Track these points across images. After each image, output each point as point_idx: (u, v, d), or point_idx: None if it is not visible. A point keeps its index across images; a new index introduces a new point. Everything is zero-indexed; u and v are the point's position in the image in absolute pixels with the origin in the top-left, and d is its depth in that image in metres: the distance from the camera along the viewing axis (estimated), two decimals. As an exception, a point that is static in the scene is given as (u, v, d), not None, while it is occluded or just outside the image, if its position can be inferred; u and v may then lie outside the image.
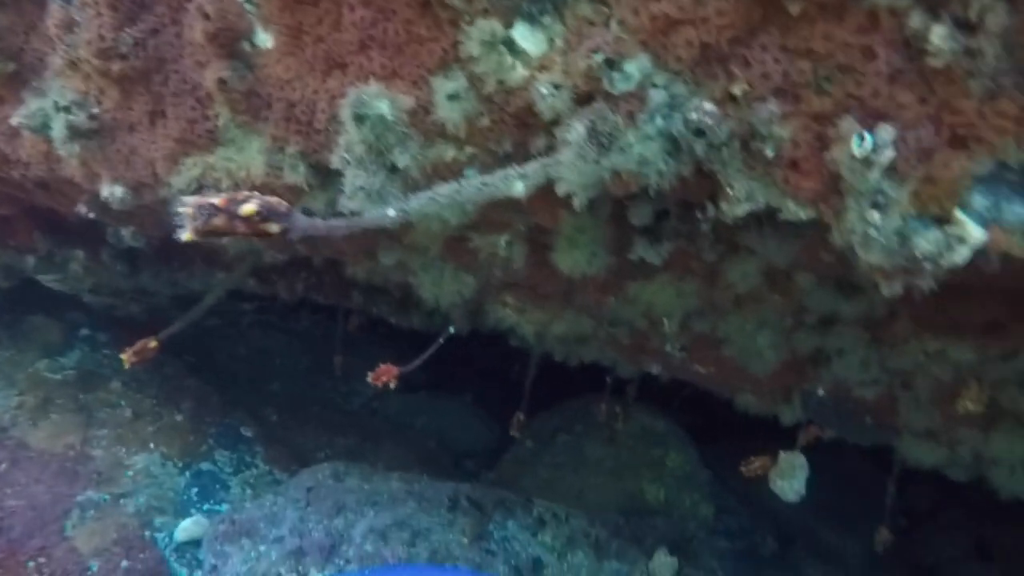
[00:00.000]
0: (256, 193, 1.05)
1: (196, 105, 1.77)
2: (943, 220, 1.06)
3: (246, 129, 1.70)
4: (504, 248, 1.82)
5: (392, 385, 2.65)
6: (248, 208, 1.02)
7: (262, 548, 2.98)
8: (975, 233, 1.04)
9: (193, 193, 1.89)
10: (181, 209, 0.99)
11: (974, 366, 2.17)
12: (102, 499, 3.33)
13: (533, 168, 1.26)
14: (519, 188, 1.29)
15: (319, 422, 5.18)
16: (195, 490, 3.64)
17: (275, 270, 3.71)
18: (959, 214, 1.05)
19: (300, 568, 2.84)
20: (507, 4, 1.24)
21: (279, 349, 5.92)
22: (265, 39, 1.57)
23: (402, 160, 1.45)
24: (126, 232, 2.80)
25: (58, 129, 1.83)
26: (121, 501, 3.37)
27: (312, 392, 5.55)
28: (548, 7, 1.23)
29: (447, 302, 2.16)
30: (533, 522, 3.74)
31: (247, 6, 1.56)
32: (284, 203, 1.07)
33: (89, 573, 3.01)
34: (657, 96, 1.18)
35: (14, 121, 1.91)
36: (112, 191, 2.02)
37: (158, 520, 3.37)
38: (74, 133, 1.90)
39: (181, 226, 0.98)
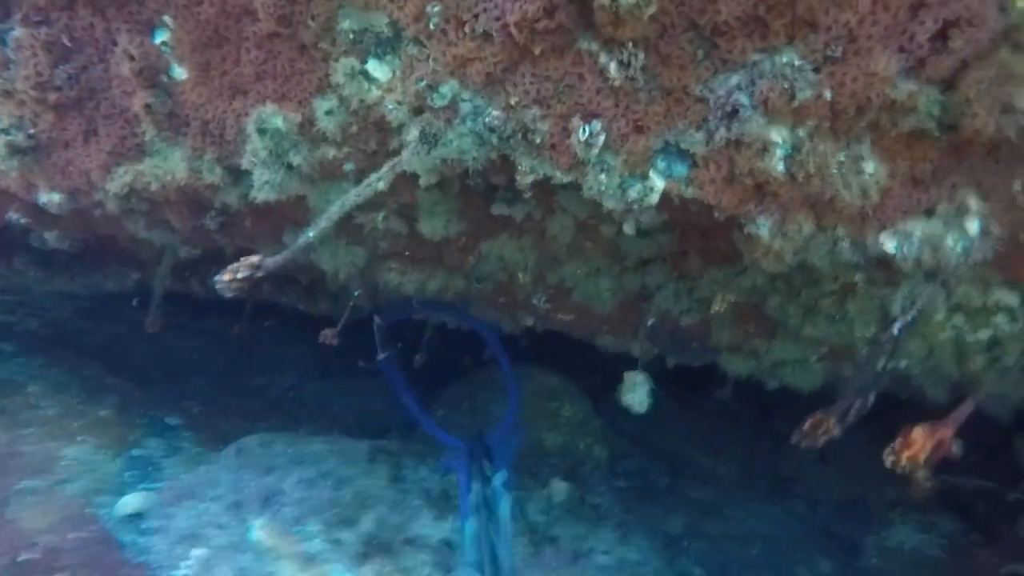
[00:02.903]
0: (242, 262, 1.63)
1: (125, 125, 2.23)
2: (643, 177, 1.73)
3: (169, 142, 2.18)
4: (381, 221, 2.39)
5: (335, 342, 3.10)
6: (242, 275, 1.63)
7: (204, 505, 3.37)
8: (659, 184, 1.71)
9: (126, 196, 2.36)
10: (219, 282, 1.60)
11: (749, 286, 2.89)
12: (40, 486, 3.47)
13: (385, 171, 1.84)
14: (381, 186, 1.88)
15: (240, 411, 5.44)
16: (130, 473, 3.80)
17: (188, 266, 4.07)
18: (651, 172, 1.72)
19: (240, 515, 3.26)
20: (360, 47, 1.81)
21: (194, 349, 6.14)
22: (181, 72, 2.06)
23: (296, 160, 1.99)
24: (51, 235, 3.16)
25: (-1, 148, 2.24)
26: (59, 487, 3.52)
27: (231, 386, 5.83)
28: (389, 49, 1.81)
29: (344, 272, 2.71)
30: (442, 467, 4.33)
31: (164, 48, 2.04)
32: (256, 257, 1.66)
33: (37, 546, 3.17)
34: (465, 107, 1.78)
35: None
36: (50, 198, 2.45)
37: (98, 500, 3.51)
38: (13, 150, 2.32)
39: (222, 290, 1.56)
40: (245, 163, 2.03)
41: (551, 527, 3.99)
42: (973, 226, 1.55)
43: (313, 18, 1.74)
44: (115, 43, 2.09)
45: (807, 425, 2.19)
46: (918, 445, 1.74)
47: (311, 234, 1.89)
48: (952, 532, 4.87)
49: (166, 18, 1.92)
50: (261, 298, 4.91)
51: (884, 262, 1.69)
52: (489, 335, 3.78)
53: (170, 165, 2.18)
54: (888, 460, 1.77)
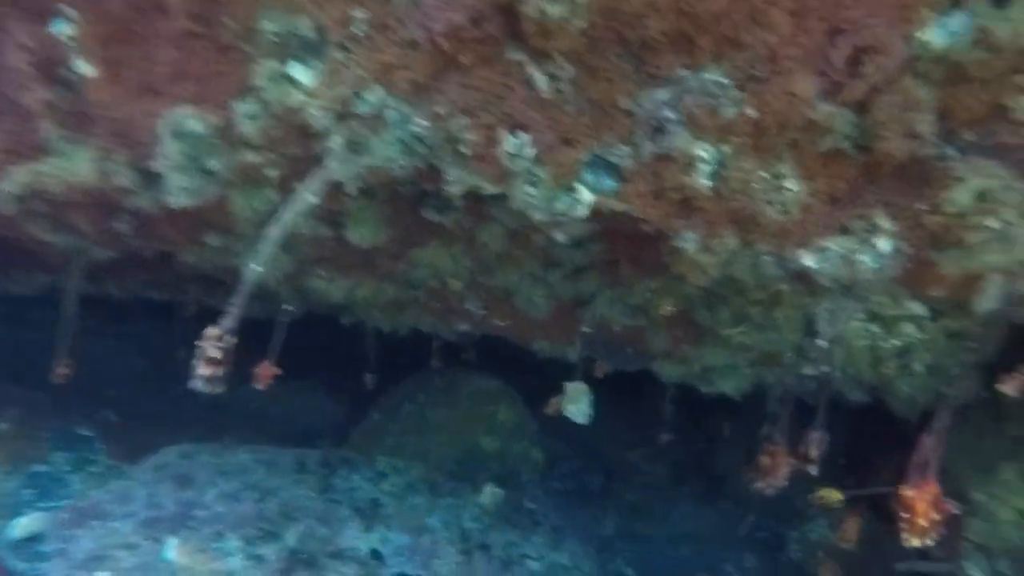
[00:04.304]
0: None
1: (19, 121, 2.07)
2: (571, 189, 1.72)
3: (74, 142, 2.05)
4: (308, 228, 2.31)
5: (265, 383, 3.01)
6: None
7: (113, 524, 3.17)
8: (587, 197, 1.70)
9: (23, 197, 2.20)
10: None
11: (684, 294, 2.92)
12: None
13: (312, 183, 1.77)
14: (313, 200, 1.81)
15: (163, 420, 5.19)
16: (30, 491, 3.62)
17: (104, 268, 3.84)
18: (579, 186, 1.71)
19: (154, 534, 3.08)
20: (283, 50, 1.74)
21: (111, 353, 5.83)
22: (88, 69, 1.93)
23: (214, 165, 1.90)
24: (-54, 238, 2.92)
25: None
26: (-56, 510, 3.23)
27: (153, 392, 5.55)
28: (313, 53, 1.74)
29: (272, 278, 2.61)
30: (375, 475, 4.24)
31: (69, 42, 1.91)
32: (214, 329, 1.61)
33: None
34: (392, 115, 1.73)
35: None
36: (-56, 198, 2.25)
37: (-11, 523, 3.22)
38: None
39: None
40: (159, 167, 1.92)
41: (485, 534, 3.97)
42: (885, 244, 1.60)
43: (232, 18, 1.66)
44: (6, 33, 1.94)
45: (760, 467, 2.26)
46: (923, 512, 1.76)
47: (259, 268, 1.82)
48: (864, 526, 5.09)
49: (67, 9, 1.79)
50: (186, 300, 4.69)
51: (804, 276, 1.73)
52: None
53: (74, 166, 2.05)
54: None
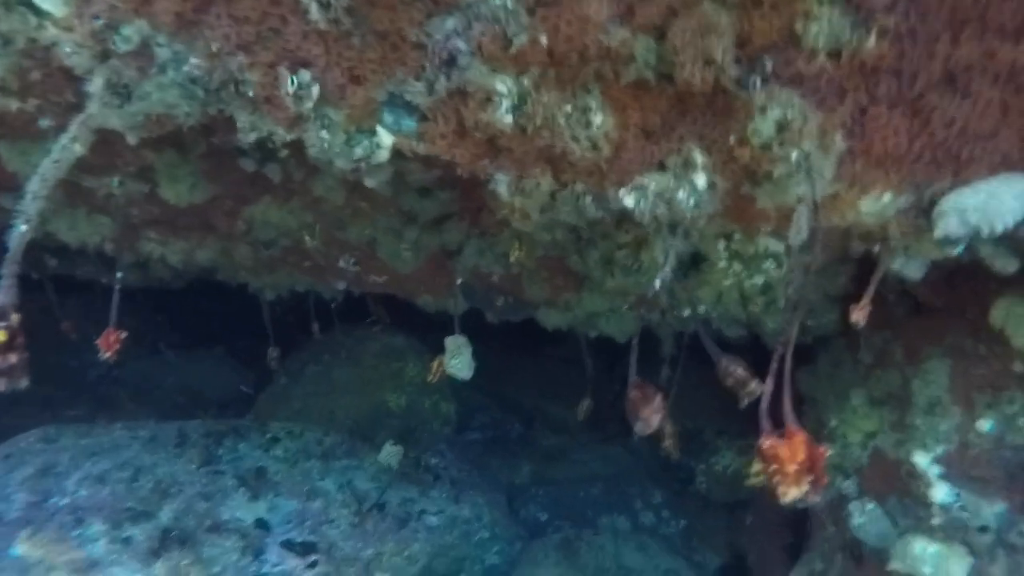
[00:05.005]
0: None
1: None
2: (370, 132, 1.56)
3: None
4: (117, 187, 2.08)
5: (112, 355, 2.73)
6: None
7: None
8: (387, 140, 1.55)
9: None
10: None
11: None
12: None
13: (76, 128, 1.55)
14: (78, 149, 1.58)
15: (39, 400, 4.87)
16: None
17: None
18: (378, 128, 1.55)
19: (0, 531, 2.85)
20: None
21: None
22: None
23: (-35, 116, 1.64)
24: None
25: None
26: None
27: (33, 372, 5.20)
28: (59, -21, 1.50)
29: (92, 243, 2.37)
30: (266, 441, 4.08)
31: None
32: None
33: None
34: (163, 53, 1.52)
35: None
36: None
37: None
38: None
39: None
40: None
41: (381, 493, 3.90)
42: (700, 180, 1.52)
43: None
44: None
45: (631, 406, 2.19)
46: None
47: (22, 227, 1.57)
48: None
49: None
50: (55, 273, 4.34)
51: (627, 216, 1.64)
52: None
53: None
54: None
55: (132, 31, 1.47)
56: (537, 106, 1.45)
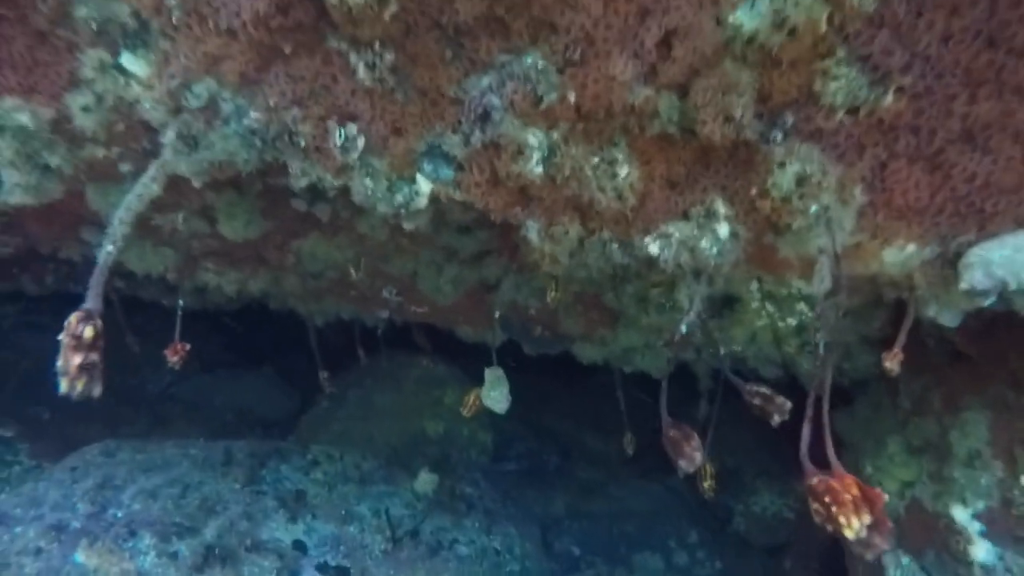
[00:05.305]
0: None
1: None
2: (410, 180, 1.68)
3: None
4: (182, 223, 2.25)
5: (179, 362, 2.90)
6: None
7: (17, 530, 3.07)
8: (426, 187, 1.67)
9: None
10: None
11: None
12: None
13: (153, 172, 1.71)
14: (155, 189, 1.74)
15: (102, 415, 5.10)
16: None
17: (13, 263, 3.75)
18: (418, 176, 1.67)
19: (62, 538, 3.02)
20: (108, 38, 1.67)
21: (53, 349, 5.72)
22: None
23: (54, 160, 1.83)
24: None
25: None
26: None
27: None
28: (140, 42, 1.67)
29: (156, 272, 2.55)
30: (306, 464, 4.21)
31: None
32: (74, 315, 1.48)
33: None
34: (227, 107, 1.68)
35: None
36: None
37: None
38: None
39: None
40: (-5, 164, 1.84)
41: (415, 521, 3.97)
42: (723, 229, 1.58)
43: (43, 1, 1.59)
44: None
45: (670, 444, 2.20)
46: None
47: (110, 247, 1.73)
48: (804, 495, 5.18)
49: None
50: (122, 295, 4.61)
51: (652, 263, 1.71)
52: None
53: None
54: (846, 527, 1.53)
55: (202, 88, 1.63)
56: (566, 158, 1.54)
